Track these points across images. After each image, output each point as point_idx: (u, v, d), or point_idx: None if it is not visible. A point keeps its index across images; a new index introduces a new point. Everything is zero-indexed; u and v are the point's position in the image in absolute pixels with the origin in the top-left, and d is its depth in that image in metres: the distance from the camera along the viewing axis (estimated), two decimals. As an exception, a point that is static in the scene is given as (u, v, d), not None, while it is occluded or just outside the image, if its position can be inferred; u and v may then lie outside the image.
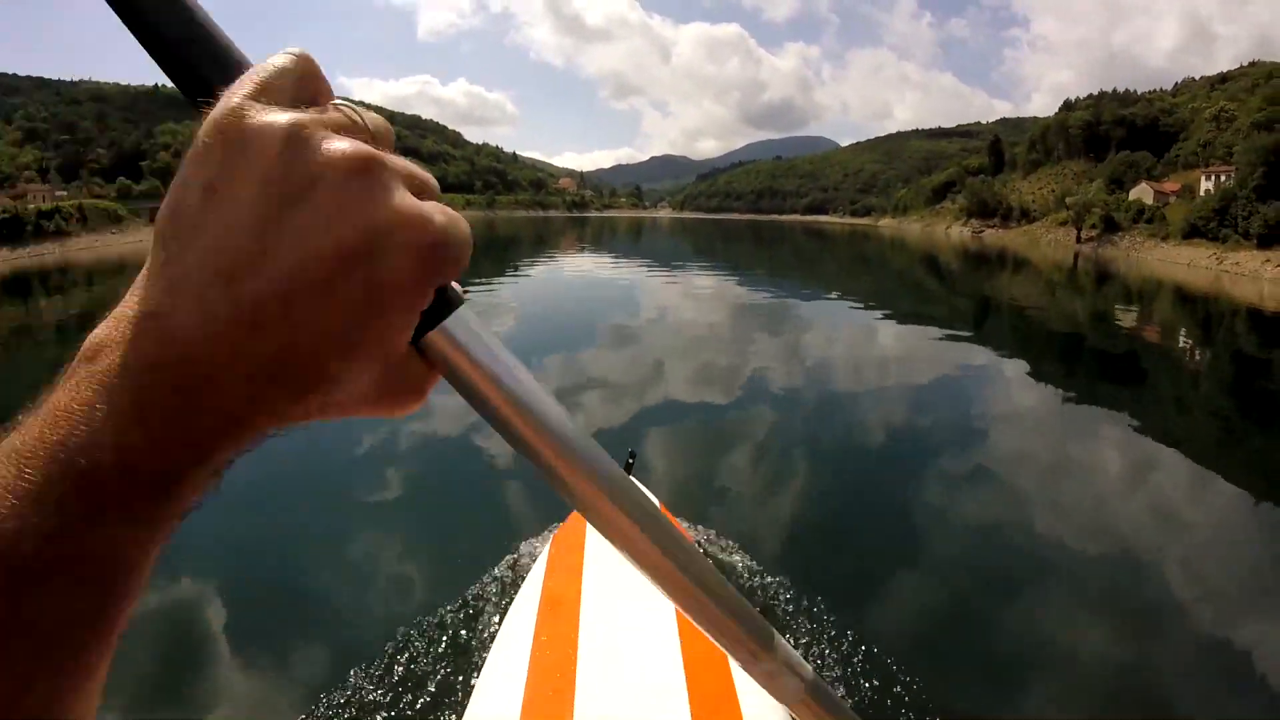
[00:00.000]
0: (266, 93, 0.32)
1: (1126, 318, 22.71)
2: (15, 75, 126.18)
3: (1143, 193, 62.17)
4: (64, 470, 0.28)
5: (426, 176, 0.34)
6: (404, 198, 0.32)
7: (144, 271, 0.31)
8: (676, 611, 2.98)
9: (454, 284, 0.36)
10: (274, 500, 6.91)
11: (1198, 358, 16.21)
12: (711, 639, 0.46)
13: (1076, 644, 4.78)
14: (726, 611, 0.46)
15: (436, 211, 0.33)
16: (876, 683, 4.05)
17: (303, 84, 0.33)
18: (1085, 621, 5.07)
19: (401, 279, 0.31)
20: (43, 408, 0.30)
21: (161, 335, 0.29)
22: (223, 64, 0.35)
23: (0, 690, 0.27)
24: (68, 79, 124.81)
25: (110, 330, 0.30)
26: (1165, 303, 27.31)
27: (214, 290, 0.29)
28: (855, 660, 4.20)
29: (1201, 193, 53.41)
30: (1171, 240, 49.43)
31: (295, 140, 0.30)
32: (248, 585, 5.38)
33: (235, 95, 0.31)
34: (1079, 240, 61.99)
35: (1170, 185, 61.69)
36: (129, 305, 0.30)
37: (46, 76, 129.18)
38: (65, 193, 67.47)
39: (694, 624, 0.42)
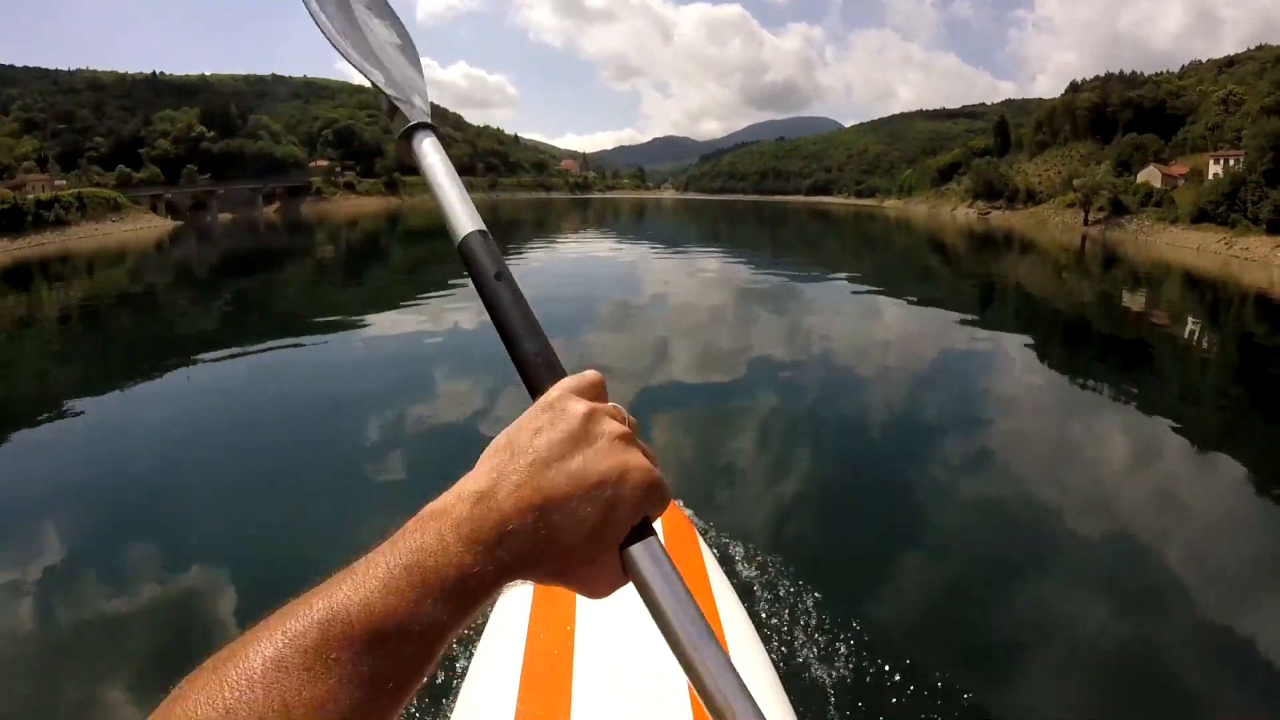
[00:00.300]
0: (577, 391, 0.54)
1: (1134, 301, 22.66)
2: (11, 66, 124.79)
3: (1150, 176, 61.49)
4: (426, 579, 0.44)
5: (626, 417, 0.55)
6: (641, 458, 0.52)
7: (473, 471, 0.51)
8: None
9: (656, 522, 0.54)
10: (278, 482, 7.08)
11: (1205, 343, 16.20)
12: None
13: (1080, 627, 4.81)
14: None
15: (654, 465, 0.52)
16: (880, 664, 4.06)
17: (595, 389, 0.55)
18: (1089, 605, 5.10)
19: (632, 499, 0.50)
20: (399, 542, 0.47)
21: (491, 504, 0.48)
22: (555, 372, 0.58)
23: (368, 711, 0.41)
24: (65, 69, 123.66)
25: (447, 501, 0.49)
26: (1174, 287, 27.23)
27: (526, 483, 0.48)
28: (857, 643, 4.21)
29: (1210, 177, 52.70)
30: (1180, 224, 48.97)
31: (591, 416, 0.51)
32: (247, 558, 5.52)
33: (564, 388, 0.54)
34: (1086, 223, 61.45)
35: (1178, 169, 60.91)
36: (459, 488, 0.50)
37: (45, 67, 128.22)
38: (64, 182, 66.82)
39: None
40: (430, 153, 0.73)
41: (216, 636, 4.47)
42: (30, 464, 8.13)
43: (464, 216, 0.70)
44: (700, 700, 0.51)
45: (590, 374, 0.57)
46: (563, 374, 0.58)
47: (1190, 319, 19.13)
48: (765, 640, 2.59)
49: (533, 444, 0.51)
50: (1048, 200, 77.53)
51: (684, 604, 0.51)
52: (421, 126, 0.70)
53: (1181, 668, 4.49)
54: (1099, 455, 8.39)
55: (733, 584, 2.85)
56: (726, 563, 4.83)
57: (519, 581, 0.49)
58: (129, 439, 8.87)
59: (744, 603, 2.71)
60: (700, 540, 3.16)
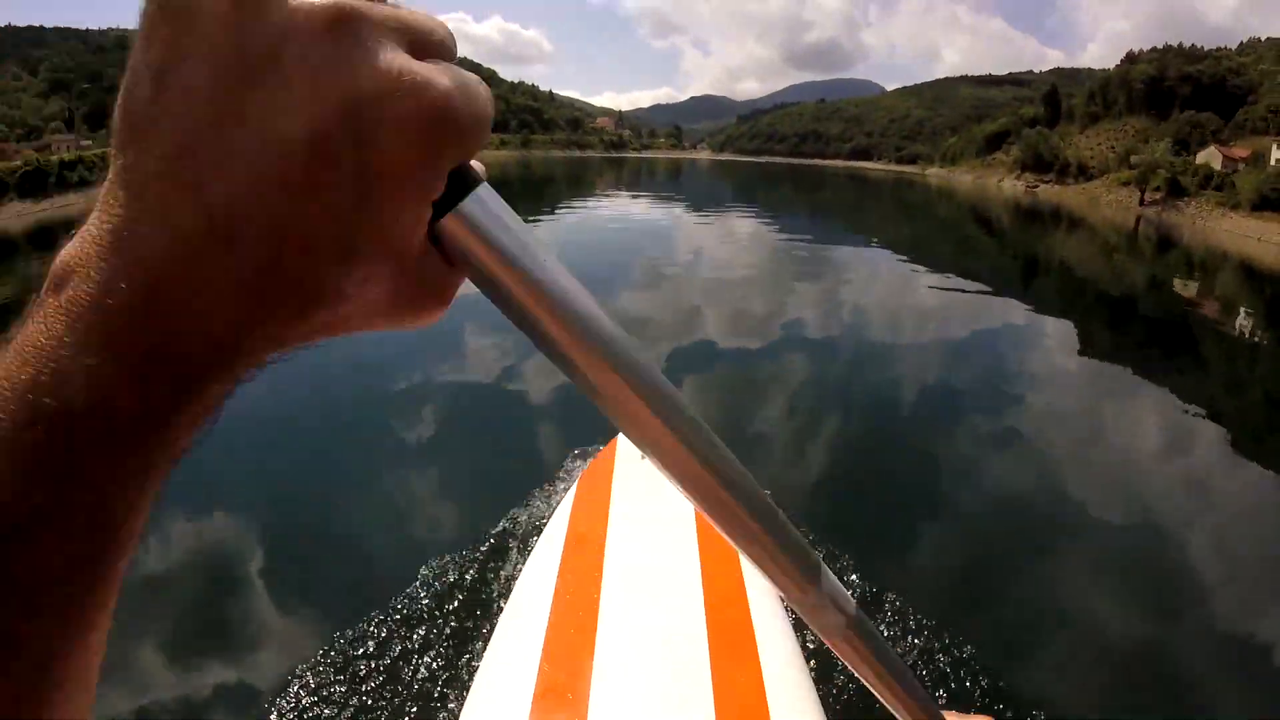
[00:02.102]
0: None
1: (1185, 289, 21.57)
2: (42, 28, 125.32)
3: (1210, 157, 58.65)
4: (33, 414, 0.23)
5: (433, 27, 0.28)
6: (396, 58, 0.25)
7: (107, 182, 0.26)
8: (700, 552, 2.54)
9: (474, 163, 0.30)
10: (294, 432, 7.12)
11: (1258, 337, 15.27)
12: (757, 568, 0.43)
13: (1106, 616, 4.76)
14: (776, 539, 0.42)
15: (439, 74, 0.26)
16: (896, 639, 4.03)
17: None
18: (1115, 594, 5.01)
19: (398, 161, 0.25)
20: (10, 343, 0.25)
21: (128, 256, 0.24)
22: None
23: None
24: (96, 28, 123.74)
25: (77, 251, 0.26)
26: (1230, 277, 25.91)
27: (178, 199, 0.24)
28: (875, 617, 4.15)
29: (1273, 161, 50.66)
30: (1241, 210, 46.70)
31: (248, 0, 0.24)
32: (270, 518, 5.47)
33: None
34: (1143, 203, 58.78)
35: (1239, 151, 58.22)
36: (95, 222, 0.25)
37: (76, 27, 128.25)
38: (90, 141, 66.72)
39: (741, 552, 0.39)
40: None
41: (240, 596, 4.59)
42: None
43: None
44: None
45: None
46: None
47: (1243, 311, 18.09)
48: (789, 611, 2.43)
49: (158, 111, 0.24)
50: (1100, 176, 74.52)
51: (550, 268, 0.34)
52: None
53: (1205, 663, 4.41)
54: (1132, 443, 8.19)
55: None
56: None
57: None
58: None
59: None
60: None
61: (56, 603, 0.24)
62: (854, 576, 4.55)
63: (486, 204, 0.30)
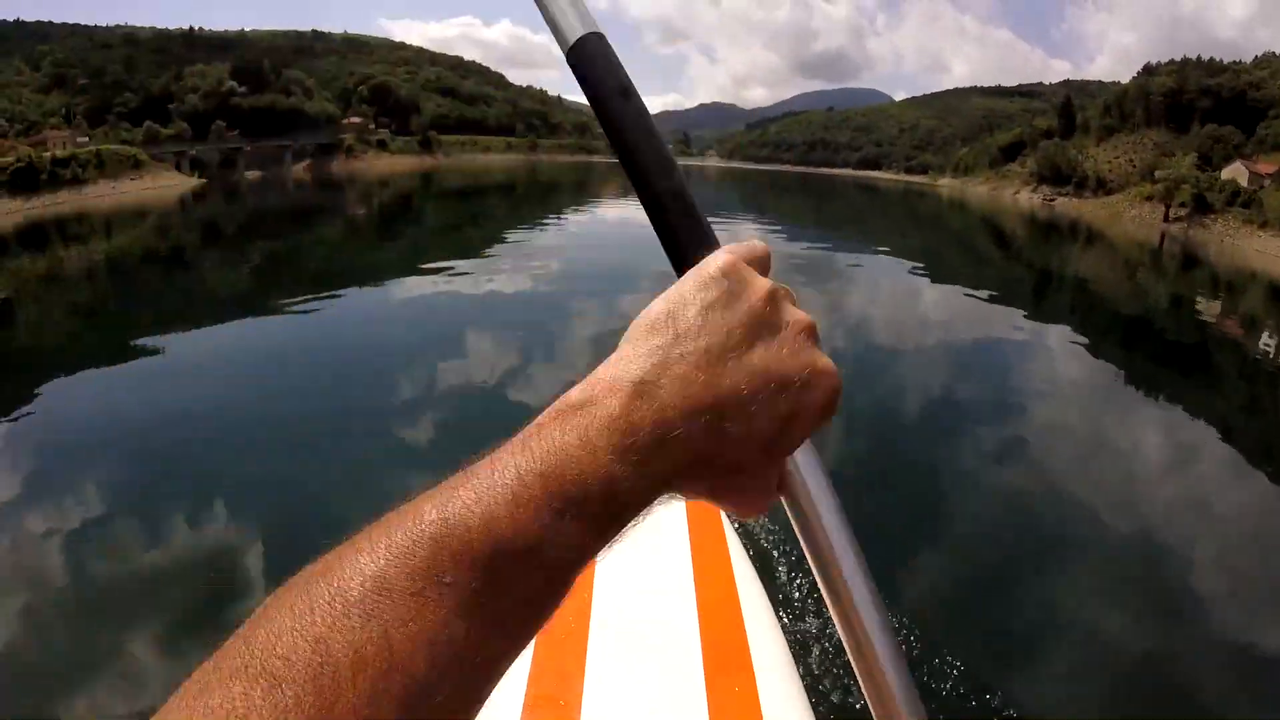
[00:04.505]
0: (749, 261, 0.45)
1: (1209, 309, 20.83)
2: (49, 22, 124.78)
3: (1237, 172, 57.13)
4: (566, 490, 0.35)
5: (815, 329, 0.45)
6: (826, 359, 0.43)
7: (622, 353, 0.41)
8: (693, 561, 2.54)
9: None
10: (311, 439, 7.14)
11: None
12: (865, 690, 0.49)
13: (1107, 626, 4.76)
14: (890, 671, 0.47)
15: (828, 362, 0.43)
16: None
17: (764, 262, 0.46)
18: (1117, 604, 5.02)
19: (815, 409, 0.42)
20: (531, 442, 0.37)
21: (650, 400, 0.38)
22: (703, 229, 0.49)
23: (485, 650, 0.33)
24: (104, 24, 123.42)
25: (589, 391, 0.39)
26: (1256, 297, 24.99)
27: (697, 377, 0.39)
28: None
29: (1300, 178, 49.51)
30: (1270, 229, 45.27)
31: (775, 298, 0.43)
32: (282, 521, 5.55)
33: (734, 255, 0.45)
34: (1167, 219, 57.10)
35: (1266, 166, 56.37)
36: (606, 374, 0.40)
37: (83, 23, 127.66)
38: (88, 139, 65.85)
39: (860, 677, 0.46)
40: None
41: (246, 590, 4.70)
42: (63, 420, 8.14)
43: (572, 16, 0.53)
44: (842, 634, 0.48)
45: (757, 244, 0.48)
46: (714, 237, 0.50)
47: (1268, 333, 17.36)
48: (780, 620, 2.47)
49: (704, 324, 0.41)
50: (1119, 190, 73.04)
51: (842, 525, 0.47)
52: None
53: (1212, 675, 4.40)
54: (1141, 459, 8.15)
55: (749, 555, 2.91)
56: (747, 538, 4.66)
57: (671, 497, 0.40)
58: (161, 396, 8.78)
59: (762, 579, 2.76)
60: (722, 515, 3.14)
61: (528, 626, 0.36)
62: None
63: (811, 452, 0.46)
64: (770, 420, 0.40)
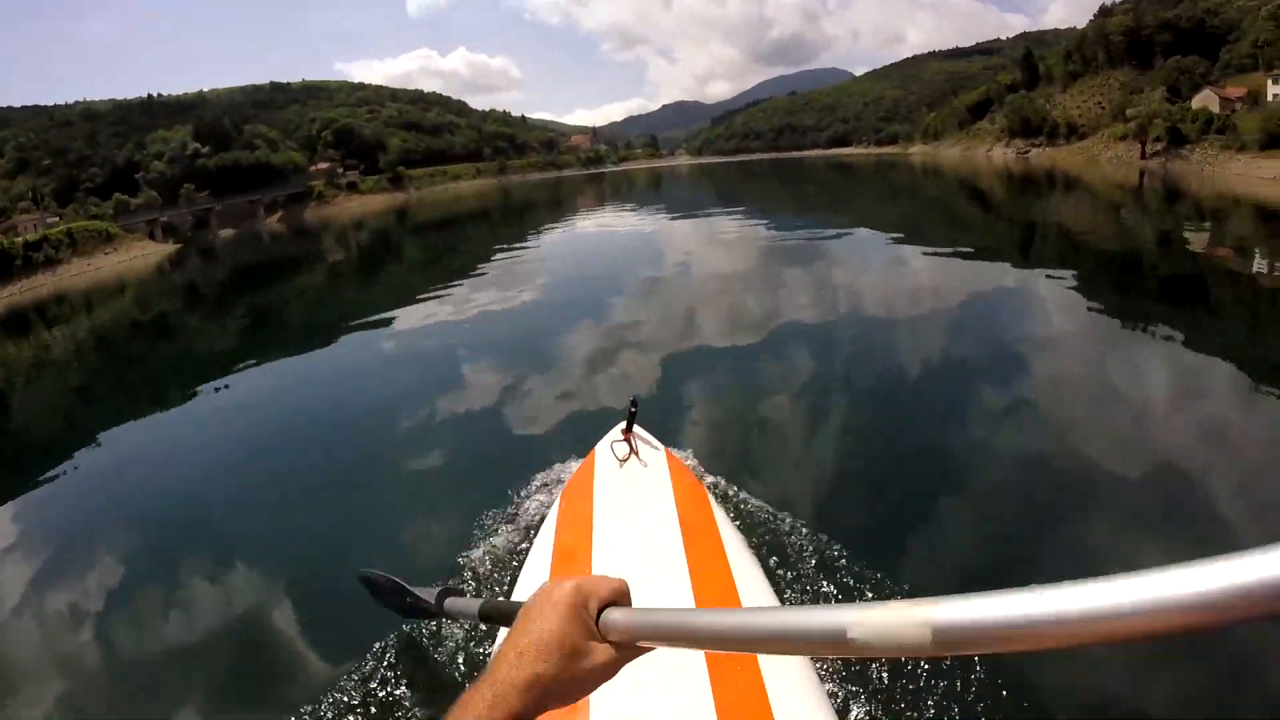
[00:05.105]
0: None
1: (1197, 239, 20.51)
2: (9, 108, 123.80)
3: (1207, 100, 56.37)
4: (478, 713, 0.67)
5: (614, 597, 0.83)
6: (609, 668, 0.76)
7: (502, 646, 0.73)
8: (687, 558, 2.71)
9: (609, 610, 0.78)
10: (316, 488, 7.21)
11: (1276, 277, 14.53)
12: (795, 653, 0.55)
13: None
14: (795, 633, 0.56)
15: (569, 597, 0.78)
16: None
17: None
18: (1142, 552, 4.89)
19: (594, 683, 0.75)
20: (482, 687, 0.71)
21: (500, 693, 0.69)
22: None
23: None
24: (63, 103, 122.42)
25: (482, 689, 0.70)
26: (1243, 221, 24.67)
27: (530, 690, 0.70)
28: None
29: (1269, 98, 49.08)
30: (1248, 151, 44.54)
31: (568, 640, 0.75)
32: (296, 573, 5.59)
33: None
34: (1144, 156, 56.34)
35: (1234, 90, 55.92)
36: (492, 677, 0.71)
37: (43, 104, 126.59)
38: (58, 218, 65.51)
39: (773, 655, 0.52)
40: None
41: (270, 647, 4.70)
42: (72, 497, 8.26)
43: None
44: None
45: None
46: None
47: (1259, 253, 17.35)
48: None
49: (521, 661, 0.71)
50: (1092, 134, 72.60)
51: (691, 621, 0.59)
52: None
53: (1238, 635, 4.09)
54: (1149, 397, 7.95)
55: (751, 543, 2.98)
56: (750, 522, 4.80)
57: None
58: (164, 462, 8.96)
59: (765, 562, 2.78)
60: (710, 499, 3.27)
61: None
62: (861, 559, 4.41)
63: (614, 620, 0.72)
64: (570, 691, 0.73)
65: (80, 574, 6.15)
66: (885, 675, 3.64)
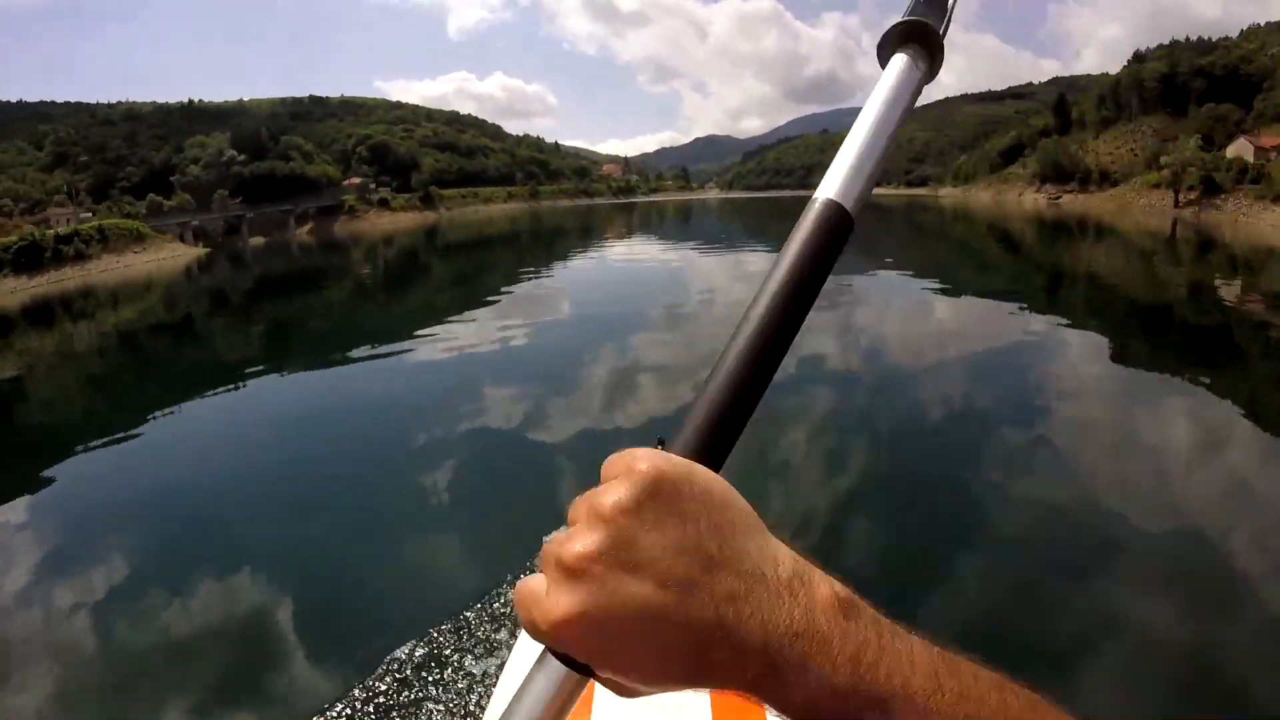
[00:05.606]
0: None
1: (1229, 290, 20.27)
2: (52, 102, 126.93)
3: (1241, 149, 56.33)
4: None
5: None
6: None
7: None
8: None
9: None
10: (330, 500, 7.16)
11: None
12: None
13: (1151, 624, 4.60)
14: None
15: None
16: None
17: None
18: (1162, 603, 4.83)
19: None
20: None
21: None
22: None
23: None
24: (106, 102, 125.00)
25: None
26: (1276, 273, 24.41)
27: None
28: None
29: (1305, 147, 48.81)
30: None
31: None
32: (305, 581, 5.56)
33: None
34: (1177, 204, 56.07)
35: (1269, 139, 55.77)
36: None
37: (85, 101, 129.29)
38: (91, 214, 66.49)
39: None
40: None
41: (274, 650, 4.67)
42: (81, 494, 8.21)
43: (831, 179, 0.54)
44: None
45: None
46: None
47: None
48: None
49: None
50: (1124, 181, 72.22)
51: None
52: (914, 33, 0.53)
53: (1251, 672, 4.19)
54: (1173, 450, 7.78)
55: None
56: None
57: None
58: (181, 463, 8.87)
59: None
60: None
61: None
62: (881, 600, 3.69)
63: None
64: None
65: (84, 571, 6.11)
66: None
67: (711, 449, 0.46)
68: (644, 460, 0.41)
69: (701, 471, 0.43)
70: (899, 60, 0.52)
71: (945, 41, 0.50)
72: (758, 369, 0.48)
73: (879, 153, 0.51)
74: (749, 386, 0.48)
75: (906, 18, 0.52)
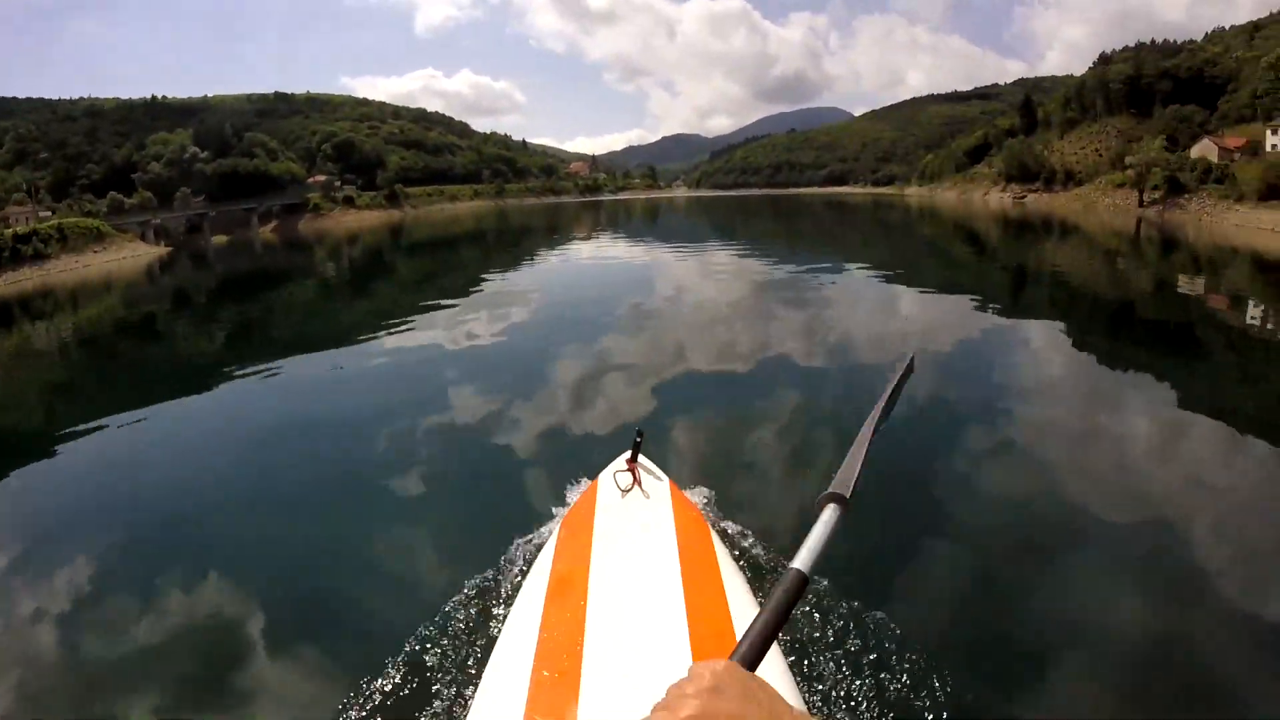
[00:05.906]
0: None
1: (1192, 288, 20.65)
2: (14, 98, 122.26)
3: (1205, 150, 56.89)
4: None
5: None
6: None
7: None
8: (684, 590, 2.72)
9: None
10: (296, 500, 7.14)
11: (1270, 327, 14.69)
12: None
13: (1113, 621, 4.65)
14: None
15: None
16: (909, 663, 3.79)
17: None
18: (1126, 603, 4.87)
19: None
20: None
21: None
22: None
23: None
24: (68, 98, 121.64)
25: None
26: (1240, 271, 24.85)
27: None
28: (876, 642, 3.97)
29: (1268, 148, 49.50)
30: (1246, 201, 44.65)
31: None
32: (272, 584, 5.50)
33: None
34: (1142, 204, 56.52)
35: (1233, 140, 56.61)
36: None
37: (47, 97, 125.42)
38: (51, 213, 64.59)
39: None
40: None
41: (242, 655, 4.61)
42: (46, 494, 8.12)
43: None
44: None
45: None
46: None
47: (1252, 304, 17.62)
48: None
49: None
50: (1089, 181, 72.89)
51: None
52: None
53: (1225, 666, 4.21)
54: (1137, 444, 7.87)
55: (750, 579, 2.87)
56: (745, 557, 4.72)
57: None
58: (143, 465, 8.70)
59: (758, 596, 2.78)
60: (713, 535, 3.29)
61: None
62: (851, 596, 4.29)
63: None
64: None
65: (46, 578, 5.94)
66: (850, 667, 3.72)
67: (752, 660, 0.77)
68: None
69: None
70: (830, 508, 0.86)
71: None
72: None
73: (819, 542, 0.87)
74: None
75: (833, 490, 0.81)
